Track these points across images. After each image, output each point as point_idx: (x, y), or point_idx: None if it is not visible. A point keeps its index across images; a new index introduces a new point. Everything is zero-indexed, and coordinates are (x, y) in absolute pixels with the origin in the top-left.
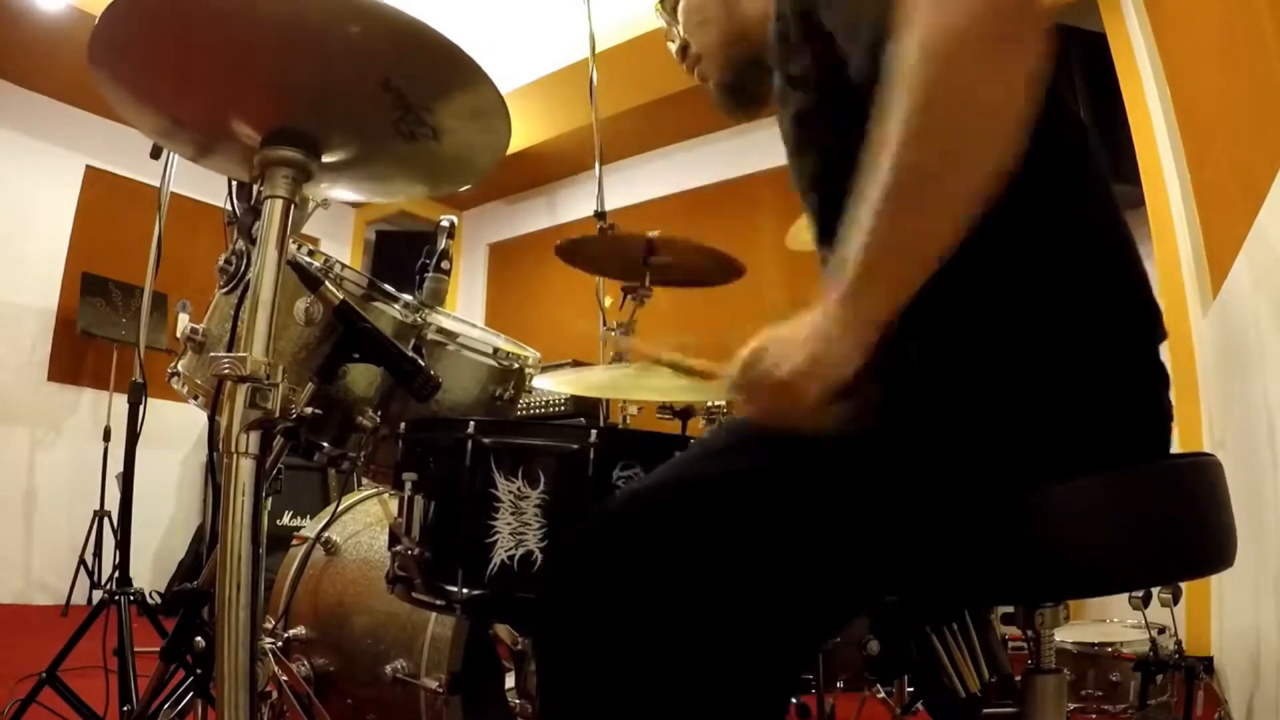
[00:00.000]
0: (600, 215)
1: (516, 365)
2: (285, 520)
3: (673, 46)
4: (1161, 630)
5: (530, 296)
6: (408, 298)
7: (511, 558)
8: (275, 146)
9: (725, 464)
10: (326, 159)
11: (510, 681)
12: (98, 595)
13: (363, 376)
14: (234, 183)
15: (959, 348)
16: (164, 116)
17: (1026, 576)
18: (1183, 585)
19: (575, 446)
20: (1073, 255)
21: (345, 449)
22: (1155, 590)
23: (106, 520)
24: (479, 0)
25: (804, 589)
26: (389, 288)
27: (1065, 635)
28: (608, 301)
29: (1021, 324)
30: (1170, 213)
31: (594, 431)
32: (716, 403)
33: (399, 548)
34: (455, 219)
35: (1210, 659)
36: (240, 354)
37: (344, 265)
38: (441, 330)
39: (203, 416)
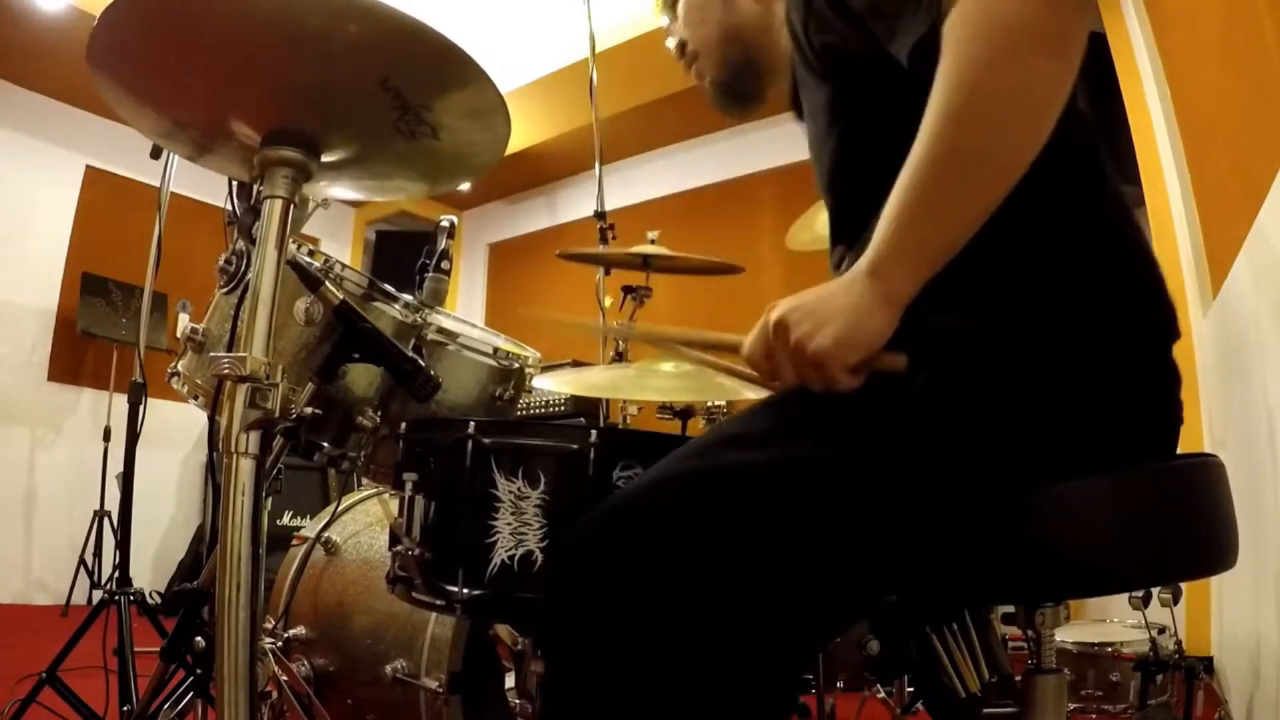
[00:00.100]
0: (600, 215)
1: (516, 365)
2: (285, 520)
3: (671, 43)
4: (1161, 630)
5: (530, 296)
6: (408, 298)
7: (512, 558)
8: (275, 146)
9: (723, 461)
10: (326, 159)
11: (510, 681)
12: (98, 595)
13: (363, 376)
14: (234, 183)
15: (962, 347)
16: (163, 117)
17: (1027, 576)
18: (1183, 585)
19: (575, 446)
20: (1079, 255)
21: (345, 449)
22: (1155, 590)
23: (106, 520)
24: (479, 0)
25: (805, 587)
26: (389, 288)
27: (1065, 635)
28: (608, 301)
29: (1024, 324)
30: (1170, 213)
31: (594, 431)
32: (716, 403)
33: (399, 548)
34: (455, 219)
35: (1210, 659)
36: (240, 354)
37: (344, 265)
38: (441, 330)
39: (203, 416)
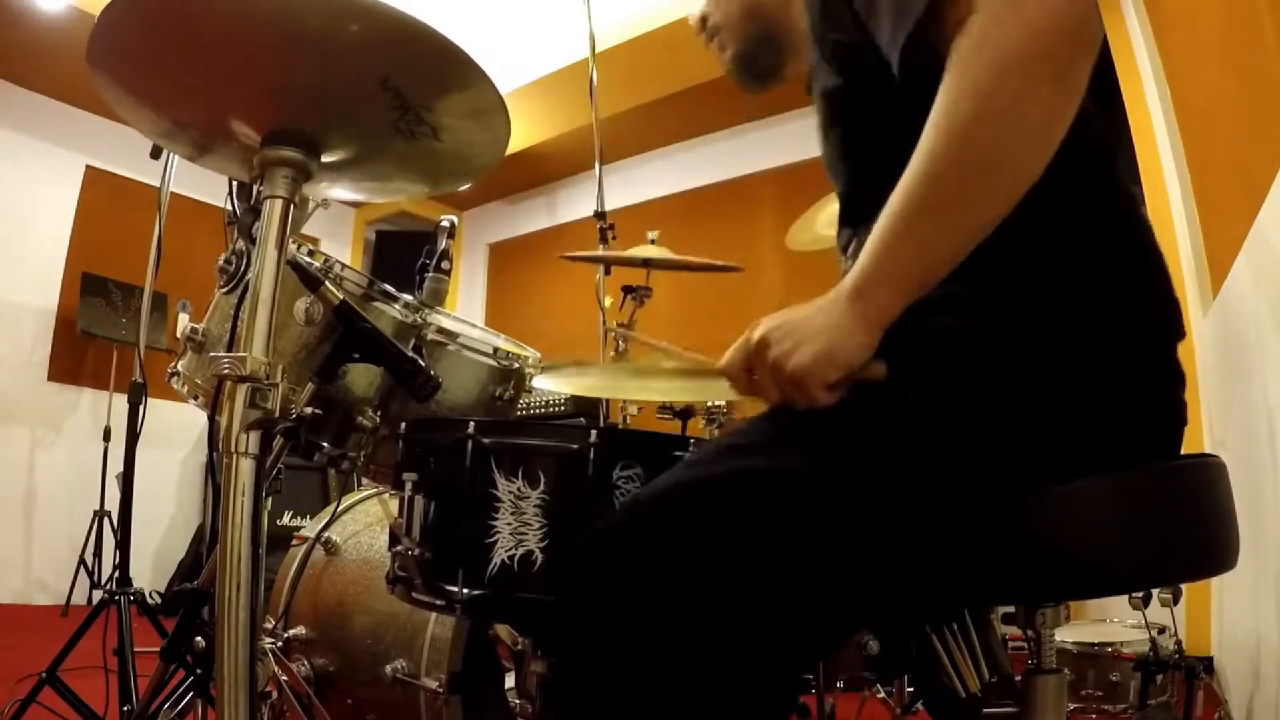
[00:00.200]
0: (600, 215)
1: (516, 365)
2: (285, 520)
3: (693, 17)
4: (1161, 630)
5: (530, 296)
6: (408, 298)
7: (512, 558)
8: (275, 146)
9: (726, 467)
10: (326, 159)
11: (510, 681)
12: (98, 595)
13: (363, 376)
14: (234, 183)
15: (962, 347)
16: (163, 117)
17: (1027, 577)
18: (1183, 585)
19: (575, 446)
20: (1084, 254)
21: (345, 449)
22: (1155, 590)
23: (106, 520)
24: (479, 0)
25: (807, 588)
26: (389, 288)
27: (1065, 635)
28: (608, 301)
29: (1025, 324)
30: (1170, 213)
31: (594, 431)
32: (716, 403)
33: (399, 548)
34: (455, 219)
35: (1210, 659)
36: (240, 354)
37: (344, 265)
38: (441, 330)
39: (203, 416)
